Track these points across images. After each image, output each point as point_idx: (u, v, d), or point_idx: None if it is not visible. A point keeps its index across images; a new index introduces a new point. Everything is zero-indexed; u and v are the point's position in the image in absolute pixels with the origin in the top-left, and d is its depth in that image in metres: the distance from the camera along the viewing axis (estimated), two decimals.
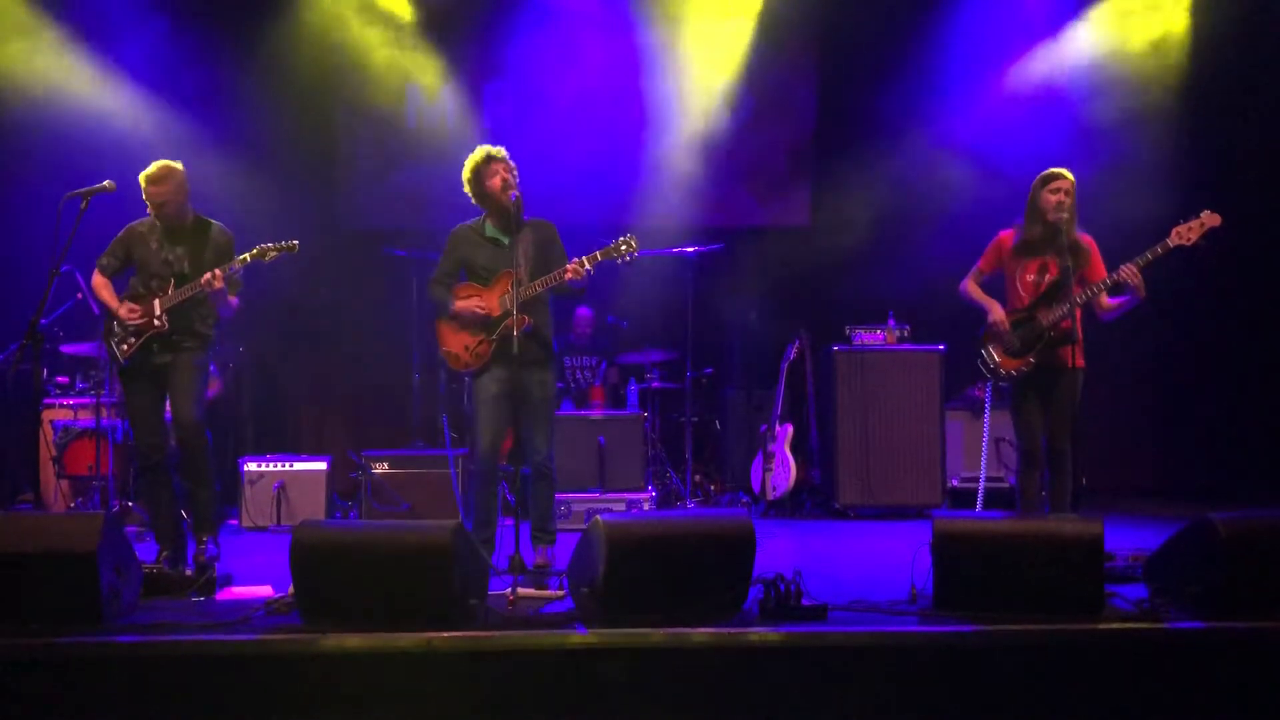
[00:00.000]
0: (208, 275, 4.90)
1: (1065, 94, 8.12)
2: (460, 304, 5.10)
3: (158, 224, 5.11)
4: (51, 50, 7.57)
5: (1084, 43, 8.11)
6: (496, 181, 5.01)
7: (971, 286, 5.30)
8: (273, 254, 5.02)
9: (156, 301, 5.02)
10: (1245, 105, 7.96)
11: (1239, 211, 4.89)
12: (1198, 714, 3.66)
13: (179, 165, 5.08)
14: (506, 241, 5.05)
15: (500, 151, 5.08)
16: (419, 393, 7.68)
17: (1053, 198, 5.01)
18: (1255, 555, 3.88)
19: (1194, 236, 4.81)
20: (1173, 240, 4.83)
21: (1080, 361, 5.02)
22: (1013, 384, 5.13)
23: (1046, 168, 5.17)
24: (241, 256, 5.00)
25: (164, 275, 5.06)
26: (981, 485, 6.26)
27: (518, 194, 4.92)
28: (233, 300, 5.09)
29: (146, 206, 5.08)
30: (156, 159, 5.10)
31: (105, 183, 4.97)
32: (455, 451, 6.73)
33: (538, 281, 4.97)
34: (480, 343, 5.08)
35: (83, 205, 4.87)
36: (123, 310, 5.03)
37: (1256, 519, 4.02)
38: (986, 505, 6.56)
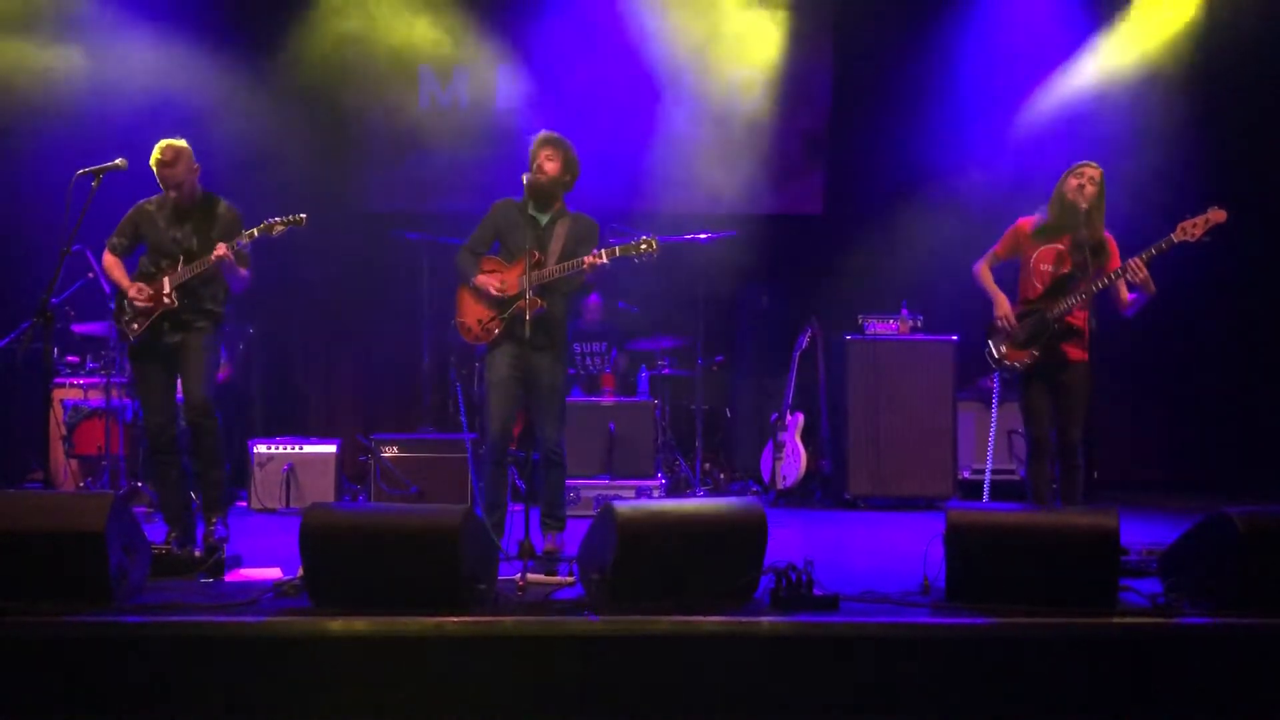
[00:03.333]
0: (217, 250, 4.88)
1: (1080, 85, 8.06)
2: (481, 277, 5.10)
3: (166, 201, 5.09)
4: (64, 27, 7.57)
5: (1101, 36, 8.05)
6: (538, 165, 5.02)
7: (984, 271, 5.28)
8: (280, 228, 4.98)
9: (166, 279, 4.99)
10: (1261, 102, 7.88)
11: (1254, 206, 4.85)
12: (1211, 709, 3.63)
13: (184, 143, 5.04)
14: (541, 222, 5.05)
15: (554, 138, 5.07)
16: (428, 376, 7.67)
17: (1075, 181, 5.00)
18: (1272, 550, 3.84)
19: (1198, 232, 4.78)
20: (1177, 236, 4.80)
21: (1084, 355, 5.01)
22: (1020, 375, 5.12)
23: (1061, 155, 5.15)
24: (249, 231, 4.98)
25: (172, 253, 5.04)
26: (988, 477, 6.22)
27: (532, 177, 4.96)
28: (243, 272, 5.06)
29: (159, 185, 5.06)
30: (166, 138, 5.07)
31: (117, 160, 4.94)
32: (470, 435, 6.72)
33: (554, 267, 4.96)
34: (492, 319, 5.07)
35: (94, 183, 4.85)
36: (131, 290, 5.01)
37: (1273, 514, 3.97)
38: (997, 497, 6.52)
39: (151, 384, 5.09)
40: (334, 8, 8.10)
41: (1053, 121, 7.97)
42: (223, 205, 5.15)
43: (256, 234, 4.97)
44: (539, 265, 4.95)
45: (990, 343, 5.21)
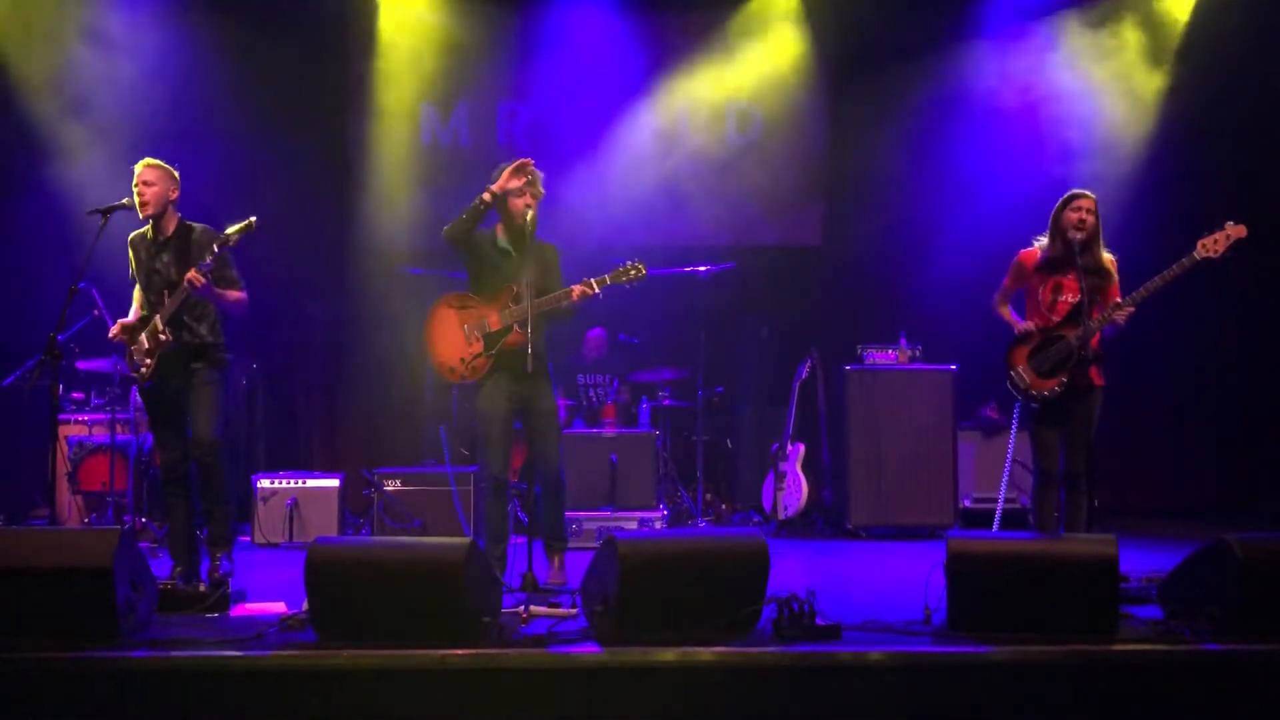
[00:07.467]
0: (188, 276, 4.77)
1: (1077, 112, 8.14)
2: (465, 314, 5.12)
3: (148, 233, 5.08)
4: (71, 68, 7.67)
5: (1092, 62, 8.14)
6: (519, 203, 5.04)
7: (1000, 303, 5.31)
8: (235, 236, 4.83)
9: (158, 317, 4.97)
10: (1262, 115, 7.96)
11: (1255, 226, 4.86)
12: None
13: (164, 165, 5.03)
14: (515, 256, 5.08)
15: (536, 175, 5.08)
16: (431, 411, 7.69)
17: (1074, 216, 5.01)
18: (1271, 577, 3.85)
19: (1220, 249, 4.76)
20: (1199, 253, 4.78)
21: (1102, 380, 5.04)
22: (1040, 404, 5.12)
23: (1056, 184, 5.18)
24: (211, 249, 4.85)
25: (157, 286, 5.02)
26: (1000, 506, 6.22)
27: (510, 217, 5.03)
28: (232, 295, 5.00)
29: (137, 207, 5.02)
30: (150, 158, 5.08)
31: (124, 200, 5.00)
32: (456, 469, 6.75)
33: (542, 300, 4.97)
34: (477, 357, 5.09)
35: (102, 222, 4.90)
36: (113, 329, 5.06)
37: (1273, 541, 3.99)
38: (999, 525, 6.52)
39: (163, 423, 5.12)
40: (339, 45, 8.23)
41: (1047, 148, 8.05)
42: (198, 230, 5.03)
43: (217, 249, 4.82)
44: (517, 299, 4.98)
45: (1013, 372, 5.14)
